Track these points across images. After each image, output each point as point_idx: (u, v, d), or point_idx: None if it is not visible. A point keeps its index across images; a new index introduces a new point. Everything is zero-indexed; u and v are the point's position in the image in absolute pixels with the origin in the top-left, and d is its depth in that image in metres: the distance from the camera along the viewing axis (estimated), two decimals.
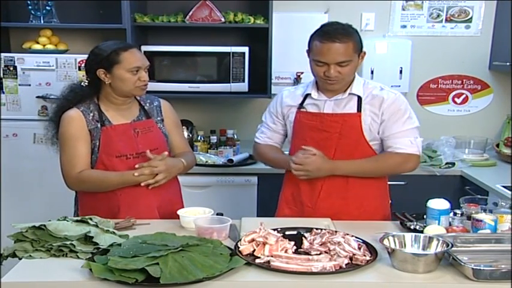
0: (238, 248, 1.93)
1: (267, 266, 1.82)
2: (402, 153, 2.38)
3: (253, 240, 1.97)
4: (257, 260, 1.86)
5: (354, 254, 1.89)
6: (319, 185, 2.45)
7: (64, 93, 2.45)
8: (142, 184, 2.33)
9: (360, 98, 2.40)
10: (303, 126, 2.45)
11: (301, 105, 2.47)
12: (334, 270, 1.80)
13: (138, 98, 2.49)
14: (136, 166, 2.33)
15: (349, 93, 2.40)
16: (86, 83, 2.42)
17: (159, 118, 2.53)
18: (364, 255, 1.89)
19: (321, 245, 1.98)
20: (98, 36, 3.92)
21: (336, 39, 2.25)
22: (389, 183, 2.61)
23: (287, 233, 2.11)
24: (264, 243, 1.94)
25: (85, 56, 3.50)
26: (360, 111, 2.38)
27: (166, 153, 2.39)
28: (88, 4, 3.94)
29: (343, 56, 2.27)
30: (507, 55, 3.74)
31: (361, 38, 2.36)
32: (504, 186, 3.04)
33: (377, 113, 2.38)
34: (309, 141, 2.41)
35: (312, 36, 2.36)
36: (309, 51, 2.38)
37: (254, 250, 1.93)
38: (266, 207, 3.58)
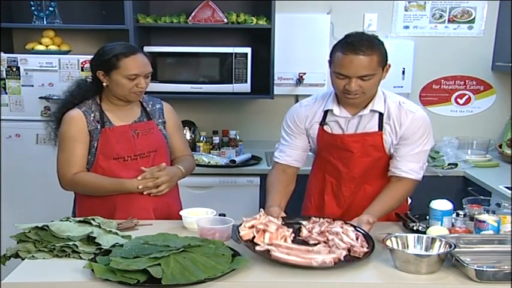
0: (239, 232, 1.95)
1: (267, 256, 1.84)
2: (410, 179, 2.32)
3: (253, 226, 1.98)
4: (257, 248, 1.88)
5: (352, 246, 1.91)
6: (343, 199, 2.46)
7: (71, 88, 2.47)
8: (144, 193, 2.35)
9: (381, 115, 2.31)
10: (325, 144, 2.40)
11: (323, 120, 2.37)
12: (333, 264, 1.82)
13: (140, 99, 2.49)
14: (139, 178, 2.34)
15: (371, 110, 2.30)
16: (90, 80, 2.44)
17: (160, 120, 2.53)
18: (362, 247, 1.91)
19: (319, 234, 2.00)
20: (100, 37, 3.92)
21: (360, 52, 2.10)
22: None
23: (286, 221, 2.13)
24: (264, 231, 1.95)
25: (88, 57, 3.57)
26: (381, 129, 2.31)
27: (164, 164, 2.40)
28: (91, 5, 3.94)
29: (366, 69, 2.12)
30: (510, 56, 3.73)
31: (387, 51, 2.21)
32: (507, 187, 3.04)
33: (396, 132, 2.31)
34: (335, 157, 2.39)
35: (334, 46, 2.22)
36: (330, 62, 2.23)
37: (254, 237, 1.95)
38: None
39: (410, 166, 2.30)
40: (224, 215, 2.25)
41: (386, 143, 2.32)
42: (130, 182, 2.35)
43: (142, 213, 2.35)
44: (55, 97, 3.53)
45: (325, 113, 2.37)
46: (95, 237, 1.96)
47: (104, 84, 2.36)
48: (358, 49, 2.10)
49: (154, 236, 1.97)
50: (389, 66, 2.24)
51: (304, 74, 3.97)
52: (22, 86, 3.64)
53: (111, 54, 2.33)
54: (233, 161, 3.71)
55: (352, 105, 2.29)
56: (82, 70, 3.59)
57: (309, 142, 2.46)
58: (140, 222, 2.26)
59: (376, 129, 2.31)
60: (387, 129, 2.31)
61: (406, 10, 4.03)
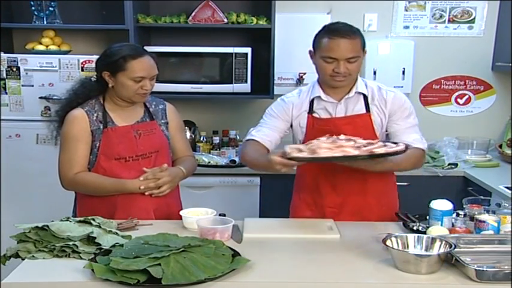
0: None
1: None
2: (417, 147, 2.40)
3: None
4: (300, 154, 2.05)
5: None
6: (340, 187, 2.46)
7: (74, 87, 2.47)
8: (146, 193, 2.35)
9: (366, 98, 2.43)
10: (316, 131, 2.42)
11: (311, 109, 2.46)
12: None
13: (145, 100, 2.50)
14: (141, 178, 2.34)
15: (356, 92, 2.42)
16: (95, 79, 2.44)
17: (163, 121, 2.53)
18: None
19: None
20: (100, 37, 3.93)
21: (346, 35, 2.28)
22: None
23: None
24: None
25: (88, 57, 3.58)
26: (369, 111, 2.42)
27: (165, 165, 2.40)
28: (91, 5, 3.94)
29: (352, 51, 2.29)
30: (510, 56, 3.73)
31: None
32: (507, 187, 3.04)
33: (383, 111, 2.43)
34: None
35: (317, 35, 2.37)
36: (313, 51, 2.39)
37: None
38: (269, 208, 3.59)
39: (412, 137, 2.41)
40: (224, 215, 2.25)
41: (375, 124, 2.42)
42: (131, 182, 2.35)
43: (142, 214, 2.35)
44: (55, 97, 3.53)
45: (311, 102, 2.45)
46: (95, 237, 1.95)
47: (110, 85, 2.36)
48: (344, 33, 2.28)
49: (154, 236, 1.97)
50: (365, 52, 2.39)
51: (304, 74, 3.98)
52: (22, 86, 3.64)
53: (118, 56, 2.33)
54: (233, 161, 3.72)
55: (336, 90, 2.41)
56: (82, 70, 3.59)
57: (293, 134, 2.52)
58: (140, 222, 2.26)
59: (364, 111, 2.42)
60: (374, 110, 2.43)
61: (406, 10, 4.03)
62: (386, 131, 2.47)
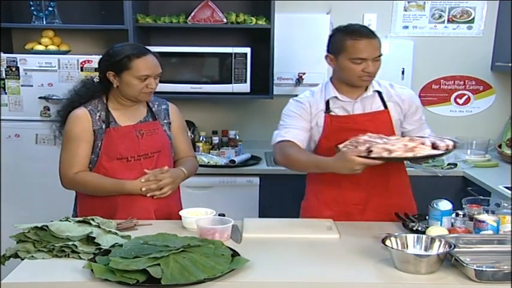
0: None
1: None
2: None
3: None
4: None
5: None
6: (363, 182, 2.44)
7: (76, 87, 2.47)
8: (148, 195, 2.35)
9: (381, 95, 2.48)
10: (335, 129, 2.45)
11: (327, 109, 2.47)
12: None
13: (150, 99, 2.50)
14: (142, 180, 2.34)
15: (373, 91, 2.47)
16: (98, 80, 2.44)
17: (165, 121, 2.53)
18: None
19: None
20: (100, 37, 3.93)
21: (371, 35, 2.35)
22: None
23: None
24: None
25: (87, 57, 3.58)
26: (386, 107, 2.48)
27: (166, 167, 2.40)
28: (90, 5, 3.94)
29: (378, 50, 2.36)
30: (509, 56, 3.74)
31: None
32: (506, 187, 3.04)
33: (400, 108, 2.50)
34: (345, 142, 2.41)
35: (334, 39, 2.41)
36: (334, 55, 2.40)
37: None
38: (268, 208, 3.59)
39: (427, 132, 2.52)
40: (224, 215, 2.25)
41: (394, 120, 2.48)
42: (131, 183, 2.35)
43: (143, 214, 2.35)
44: (54, 97, 3.53)
45: (327, 103, 2.46)
46: (94, 237, 1.95)
47: (115, 85, 2.36)
48: (368, 33, 2.35)
49: (153, 236, 1.97)
50: None
51: (304, 74, 3.97)
52: (21, 86, 3.63)
53: (122, 55, 2.33)
54: (233, 161, 3.72)
55: (352, 89, 2.45)
56: (82, 70, 3.59)
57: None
58: (140, 222, 2.26)
59: (382, 108, 2.48)
60: (391, 107, 2.48)
61: (406, 10, 4.03)
62: (402, 126, 2.53)
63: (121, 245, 1.88)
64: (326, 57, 2.46)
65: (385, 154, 2.13)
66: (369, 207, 2.47)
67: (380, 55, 2.37)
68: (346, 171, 2.17)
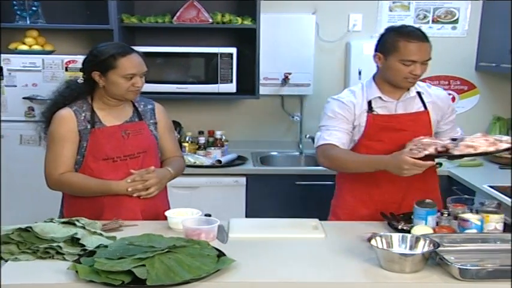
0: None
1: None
2: None
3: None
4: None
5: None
6: (399, 182, 2.45)
7: (60, 89, 2.45)
8: (134, 195, 2.34)
9: (420, 96, 2.53)
10: (378, 128, 2.48)
11: (370, 109, 2.49)
12: None
13: (137, 98, 2.48)
14: (128, 180, 2.33)
15: (416, 92, 2.52)
16: (82, 80, 2.42)
17: (152, 121, 2.52)
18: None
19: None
20: (84, 37, 3.90)
21: (424, 39, 2.38)
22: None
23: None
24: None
25: (72, 57, 3.56)
26: (426, 108, 2.53)
27: (153, 167, 2.39)
28: (75, 5, 3.91)
29: (429, 54, 2.40)
30: (493, 56, 3.77)
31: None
32: (491, 186, 3.06)
33: (439, 108, 2.56)
34: (387, 141, 2.45)
35: (385, 38, 2.43)
36: (383, 54, 2.42)
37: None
38: (255, 208, 3.59)
39: (459, 130, 2.67)
40: (210, 215, 2.24)
41: (432, 121, 2.54)
42: (117, 184, 2.34)
43: (130, 215, 2.34)
44: (39, 97, 3.51)
45: (369, 103, 2.49)
46: (79, 239, 1.94)
47: (101, 85, 2.35)
48: (422, 37, 2.38)
49: (139, 237, 1.96)
50: None
51: (290, 74, 3.97)
52: (5, 86, 3.60)
53: (107, 55, 2.31)
54: (219, 161, 3.71)
55: (395, 90, 2.48)
56: (66, 70, 3.57)
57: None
58: (125, 223, 2.25)
59: (423, 109, 2.53)
60: (430, 108, 2.54)
61: (391, 10, 4.05)
62: (436, 128, 2.59)
63: (106, 246, 1.87)
64: (374, 56, 2.48)
65: (471, 150, 2.25)
66: (404, 205, 2.46)
67: (429, 59, 2.40)
68: (396, 171, 2.23)
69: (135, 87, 2.35)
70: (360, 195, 2.56)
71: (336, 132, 2.46)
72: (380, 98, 2.49)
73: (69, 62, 3.56)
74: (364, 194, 2.55)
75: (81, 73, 2.43)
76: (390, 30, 2.45)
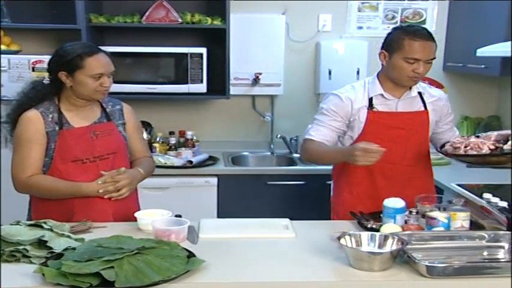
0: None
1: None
2: None
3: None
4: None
5: None
6: (395, 179, 2.53)
7: (25, 89, 2.41)
8: (105, 197, 2.32)
9: (421, 96, 2.58)
10: (377, 125, 2.52)
11: (370, 105, 2.52)
12: None
13: (100, 100, 2.46)
14: (99, 182, 2.31)
15: (417, 91, 2.57)
16: (48, 81, 2.38)
17: (120, 122, 2.50)
18: None
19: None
20: (51, 36, 3.85)
21: (429, 38, 2.41)
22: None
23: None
24: None
25: (39, 57, 3.51)
26: (426, 108, 2.58)
27: (123, 168, 2.37)
28: (41, 4, 3.85)
29: (433, 53, 2.43)
30: (460, 56, 3.83)
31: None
32: (459, 185, 3.10)
33: (437, 110, 2.62)
34: (385, 139, 2.46)
35: (392, 37, 2.48)
36: (388, 52, 2.47)
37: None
38: (226, 208, 3.59)
39: (456, 131, 2.76)
40: (180, 216, 2.23)
41: (431, 122, 2.59)
42: (87, 185, 2.31)
43: (101, 217, 2.31)
44: (5, 98, 3.43)
45: (370, 99, 2.53)
46: (46, 241, 1.91)
47: (68, 85, 2.32)
48: (427, 36, 2.41)
49: (108, 239, 1.94)
50: None
51: (260, 74, 3.97)
52: None
53: (74, 54, 2.29)
54: (190, 162, 3.70)
55: (397, 88, 2.53)
56: (33, 70, 3.51)
57: (346, 130, 2.57)
58: (94, 225, 2.22)
59: (423, 108, 2.58)
60: (430, 108, 2.59)
61: (360, 11, 4.08)
62: (434, 129, 2.65)
63: (74, 248, 1.85)
64: (380, 53, 2.53)
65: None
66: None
67: (433, 58, 2.43)
68: (351, 159, 2.27)
69: (103, 87, 2.33)
70: (357, 192, 2.60)
71: (323, 128, 2.54)
72: (382, 95, 2.53)
73: (35, 62, 3.51)
74: (360, 191, 2.59)
75: (48, 73, 2.40)
76: (397, 29, 2.51)
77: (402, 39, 2.42)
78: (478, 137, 2.42)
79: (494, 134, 2.36)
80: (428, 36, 2.41)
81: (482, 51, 3.11)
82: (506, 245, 2.02)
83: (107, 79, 2.34)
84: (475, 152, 2.30)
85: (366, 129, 2.52)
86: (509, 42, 3.08)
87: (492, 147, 2.33)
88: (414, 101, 2.57)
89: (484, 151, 2.30)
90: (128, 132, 2.52)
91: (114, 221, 2.35)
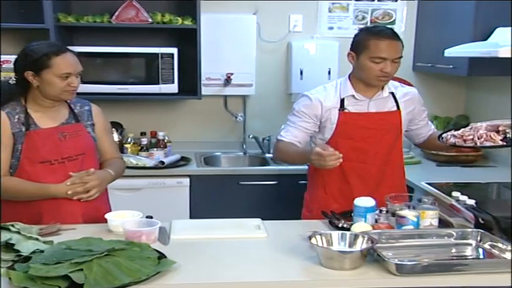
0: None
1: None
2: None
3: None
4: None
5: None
6: (367, 178, 2.56)
7: None
8: (74, 198, 2.30)
9: (394, 96, 2.60)
10: (349, 126, 2.54)
11: (342, 106, 2.53)
12: None
13: (68, 101, 2.43)
14: (68, 183, 2.28)
15: (389, 92, 2.59)
16: (14, 81, 2.34)
17: (89, 122, 2.47)
18: None
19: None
20: (19, 36, 3.78)
21: (394, 37, 2.45)
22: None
23: None
24: None
25: (6, 57, 3.46)
26: (399, 108, 2.60)
27: (92, 169, 2.35)
28: (8, 3, 3.76)
29: (399, 52, 2.45)
30: (428, 56, 3.88)
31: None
32: (428, 183, 3.13)
33: (412, 107, 2.65)
34: (357, 139, 2.53)
35: (358, 38, 2.52)
36: (356, 53, 2.51)
37: None
38: (199, 209, 3.58)
39: (432, 126, 2.80)
40: (151, 217, 2.22)
41: (403, 121, 2.61)
42: (56, 187, 2.28)
43: (70, 218, 2.29)
44: None
45: (342, 101, 2.55)
46: (13, 244, 1.88)
47: (34, 85, 2.28)
48: (391, 35, 2.45)
49: (77, 241, 1.92)
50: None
51: (232, 74, 3.97)
52: None
53: (40, 53, 2.25)
54: (162, 162, 3.68)
55: (368, 88, 2.55)
56: (0, 71, 3.45)
57: (318, 131, 2.60)
58: (64, 227, 2.20)
59: (395, 108, 2.60)
60: (402, 107, 2.61)
61: (330, 11, 4.10)
62: (410, 126, 2.69)
63: (42, 251, 1.83)
64: (348, 54, 2.56)
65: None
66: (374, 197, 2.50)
67: (400, 57, 2.45)
68: (313, 162, 2.34)
69: (71, 87, 2.30)
70: (331, 191, 2.62)
71: (293, 130, 2.60)
72: (353, 96, 2.55)
73: (3, 62, 3.45)
74: (334, 189, 2.61)
75: (14, 73, 2.36)
76: (362, 30, 2.55)
77: (368, 39, 2.45)
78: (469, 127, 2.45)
79: (483, 125, 2.37)
80: (392, 35, 2.45)
81: (450, 52, 3.15)
82: (474, 242, 2.06)
83: (74, 79, 2.31)
84: (491, 144, 2.32)
85: (338, 130, 2.54)
86: (476, 43, 3.14)
87: (501, 137, 2.34)
88: (386, 101, 2.60)
89: (499, 143, 2.31)
90: (97, 134, 2.49)
91: (83, 222, 2.32)
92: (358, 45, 2.50)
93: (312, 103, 2.56)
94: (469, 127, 2.40)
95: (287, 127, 2.63)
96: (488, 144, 2.32)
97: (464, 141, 2.38)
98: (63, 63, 2.28)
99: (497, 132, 2.31)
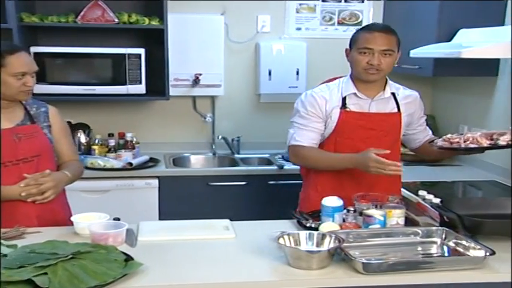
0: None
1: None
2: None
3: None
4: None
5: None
6: (362, 178, 2.50)
7: None
8: (28, 200, 2.26)
9: (395, 98, 2.58)
10: (349, 125, 2.51)
11: (343, 105, 2.52)
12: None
13: (24, 102, 2.39)
14: (22, 185, 2.24)
15: (391, 93, 2.57)
16: None
17: (45, 124, 2.43)
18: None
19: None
20: None
21: (383, 30, 2.43)
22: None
23: None
24: None
25: None
26: (399, 110, 2.57)
27: (48, 170, 2.32)
28: None
29: (388, 45, 2.41)
30: None
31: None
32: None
33: (412, 110, 2.63)
34: (356, 138, 2.49)
35: (355, 33, 2.52)
36: (350, 47, 2.50)
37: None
38: (168, 210, 3.56)
39: (430, 131, 2.77)
40: (119, 219, 2.20)
41: (403, 123, 2.59)
42: (8, 188, 2.24)
43: (24, 221, 2.24)
44: None
45: (343, 99, 2.53)
46: None
47: None
48: (381, 28, 2.45)
49: (42, 244, 1.89)
50: (400, 53, 2.53)
51: (201, 75, 3.96)
52: None
53: None
54: (130, 164, 3.64)
55: (369, 87, 2.52)
56: None
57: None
58: (28, 230, 2.16)
59: (396, 110, 2.58)
60: (403, 109, 2.59)
61: (298, 12, 4.12)
62: (407, 130, 2.67)
63: (5, 255, 1.79)
64: (345, 50, 2.57)
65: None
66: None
67: (388, 50, 2.41)
68: (364, 169, 2.33)
69: (26, 86, 2.27)
70: (323, 191, 2.57)
71: (308, 132, 2.54)
72: (355, 94, 2.53)
73: None
74: (327, 190, 2.56)
75: None
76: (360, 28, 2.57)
77: (358, 33, 2.49)
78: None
79: (478, 133, 2.40)
80: (383, 28, 2.46)
81: (415, 53, 3.19)
82: (439, 240, 2.09)
83: (30, 78, 2.29)
84: (475, 146, 2.35)
85: (337, 128, 2.52)
86: (441, 43, 3.19)
87: (489, 141, 2.38)
88: (387, 102, 2.57)
89: (484, 145, 2.35)
90: (54, 135, 2.46)
91: (38, 225, 2.28)
92: (351, 41, 2.52)
93: (318, 102, 2.53)
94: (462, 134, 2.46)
95: (299, 131, 2.55)
96: (472, 146, 2.36)
97: (451, 143, 2.41)
98: (18, 62, 2.24)
99: (491, 139, 2.36)
